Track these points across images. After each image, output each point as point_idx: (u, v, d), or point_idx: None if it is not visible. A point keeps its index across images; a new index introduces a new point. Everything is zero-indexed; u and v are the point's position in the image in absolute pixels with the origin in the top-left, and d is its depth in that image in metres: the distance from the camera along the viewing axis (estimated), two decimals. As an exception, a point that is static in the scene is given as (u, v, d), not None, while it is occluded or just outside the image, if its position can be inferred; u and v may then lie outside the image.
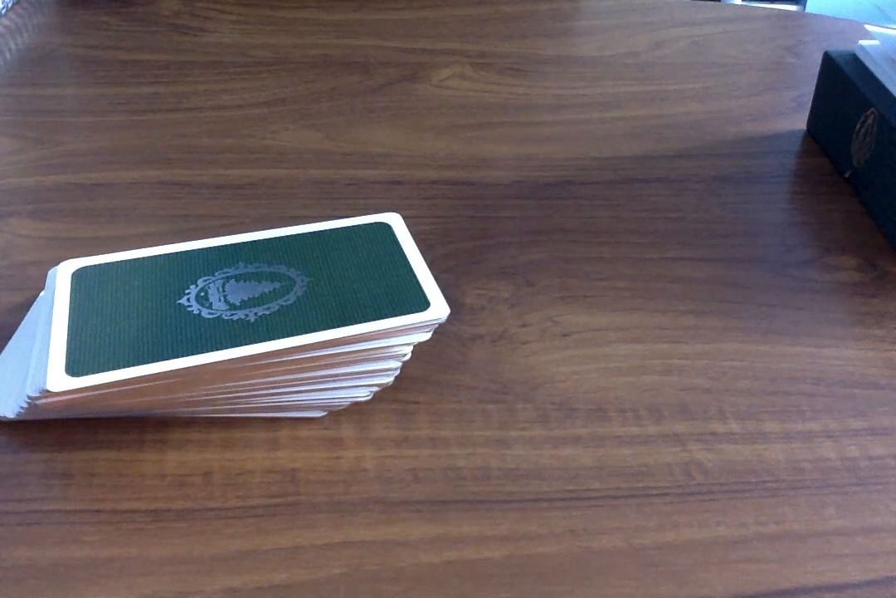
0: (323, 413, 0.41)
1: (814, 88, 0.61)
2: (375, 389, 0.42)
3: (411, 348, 0.41)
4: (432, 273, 0.49)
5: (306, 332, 0.39)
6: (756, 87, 0.68)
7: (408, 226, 0.53)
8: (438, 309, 0.41)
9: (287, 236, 0.45)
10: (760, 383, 0.43)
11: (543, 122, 0.63)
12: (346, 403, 0.41)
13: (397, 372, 0.42)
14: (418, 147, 0.60)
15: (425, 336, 0.41)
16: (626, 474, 0.39)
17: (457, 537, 0.36)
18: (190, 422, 0.41)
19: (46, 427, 0.40)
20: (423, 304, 0.41)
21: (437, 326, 0.41)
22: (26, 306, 0.47)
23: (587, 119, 0.63)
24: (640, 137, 0.62)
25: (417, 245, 0.51)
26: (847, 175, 0.57)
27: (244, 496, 0.38)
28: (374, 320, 0.40)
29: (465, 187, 0.56)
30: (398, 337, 0.40)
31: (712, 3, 0.83)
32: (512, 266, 0.50)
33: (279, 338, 0.39)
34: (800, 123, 0.63)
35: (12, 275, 0.49)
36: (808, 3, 1.87)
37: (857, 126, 0.55)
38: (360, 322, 0.40)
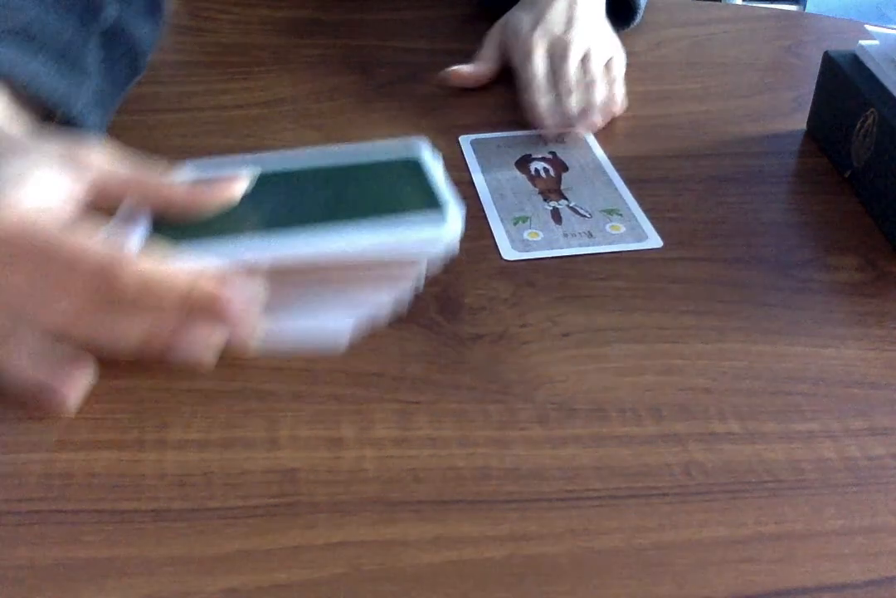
0: (348, 332, 0.40)
1: (814, 88, 0.61)
2: (393, 304, 0.41)
3: (425, 267, 0.41)
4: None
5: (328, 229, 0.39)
6: (756, 87, 0.68)
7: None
8: (453, 221, 0.40)
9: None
10: (760, 383, 0.43)
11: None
12: (367, 317, 0.41)
13: (414, 289, 0.42)
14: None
15: (440, 250, 0.41)
16: (626, 474, 0.39)
17: (457, 537, 0.36)
18: (190, 422, 0.41)
19: (46, 427, 0.40)
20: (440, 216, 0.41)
21: (451, 246, 0.41)
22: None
23: (587, 119, 0.63)
24: (640, 137, 0.62)
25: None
26: (847, 175, 0.57)
27: (244, 496, 0.38)
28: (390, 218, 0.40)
29: (465, 187, 0.56)
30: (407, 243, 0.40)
31: (712, 3, 0.83)
32: (512, 266, 0.50)
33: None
34: (800, 123, 0.63)
35: (12, 275, 0.49)
36: (808, 3, 1.87)
37: (857, 126, 0.55)
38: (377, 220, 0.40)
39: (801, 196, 0.57)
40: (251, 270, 0.38)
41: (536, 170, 0.58)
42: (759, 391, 0.43)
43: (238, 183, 0.42)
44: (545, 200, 0.55)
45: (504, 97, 0.66)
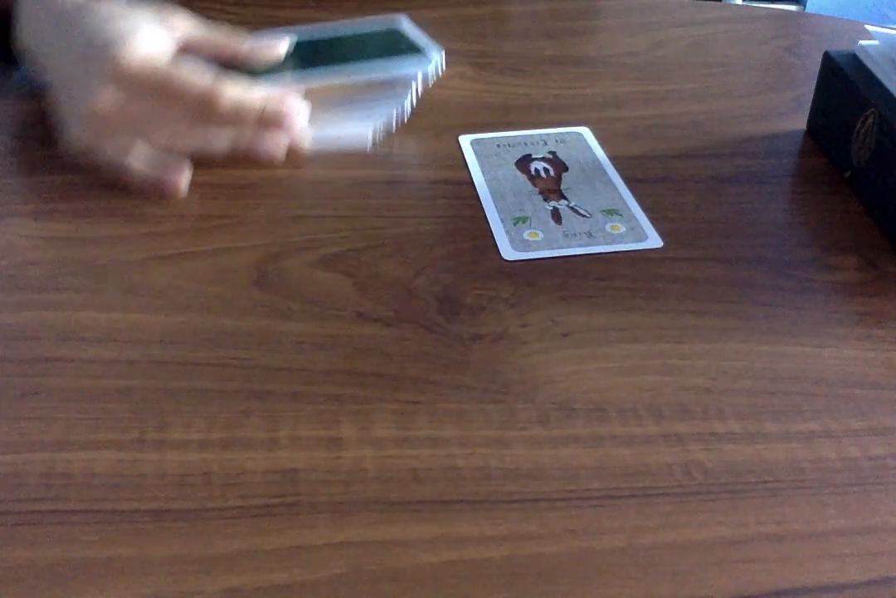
0: (369, 134, 0.58)
1: (814, 88, 0.61)
2: (397, 114, 0.59)
3: (416, 87, 0.58)
4: (432, 274, 0.49)
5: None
6: (756, 87, 0.68)
7: (406, 226, 0.53)
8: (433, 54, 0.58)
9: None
10: (760, 383, 0.43)
11: (543, 122, 0.63)
12: (380, 124, 0.59)
13: (411, 103, 0.59)
14: (418, 147, 0.60)
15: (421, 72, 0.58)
16: (626, 474, 0.39)
17: (457, 537, 0.36)
18: (190, 422, 0.41)
19: (46, 427, 0.40)
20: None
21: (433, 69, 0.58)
22: (25, 306, 0.47)
23: (587, 119, 0.63)
24: (640, 137, 0.62)
25: (416, 245, 0.51)
26: (847, 175, 0.57)
27: (244, 496, 0.38)
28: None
29: (465, 187, 0.56)
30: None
31: (712, 3, 0.83)
32: (512, 266, 0.50)
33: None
34: (800, 123, 0.63)
35: (12, 275, 0.49)
36: (808, 3, 1.87)
37: (857, 126, 0.55)
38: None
39: (801, 196, 0.57)
40: (296, 94, 0.55)
41: (536, 170, 0.58)
42: (759, 391, 0.43)
43: (283, 45, 0.58)
44: (545, 200, 0.55)
45: (504, 97, 0.66)
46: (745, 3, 1.51)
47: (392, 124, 0.60)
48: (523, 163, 0.58)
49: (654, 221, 0.53)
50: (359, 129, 0.59)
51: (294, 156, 0.56)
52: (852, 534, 0.37)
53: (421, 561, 0.35)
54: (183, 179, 0.53)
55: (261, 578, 0.35)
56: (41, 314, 0.46)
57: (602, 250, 0.51)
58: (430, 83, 0.60)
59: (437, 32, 0.75)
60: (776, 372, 0.44)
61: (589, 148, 0.60)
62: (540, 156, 0.59)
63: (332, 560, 0.35)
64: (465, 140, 0.60)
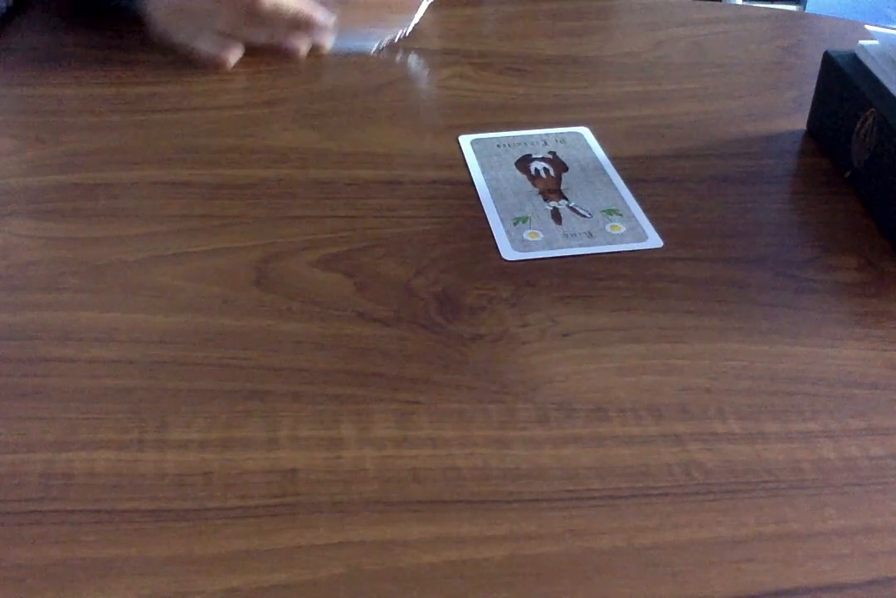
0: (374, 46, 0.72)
1: (814, 88, 0.61)
2: (401, 31, 0.72)
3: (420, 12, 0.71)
4: (432, 274, 0.49)
5: None
6: (756, 87, 0.68)
7: (406, 226, 0.53)
8: None
9: None
10: (760, 383, 0.43)
11: (543, 122, 0.63)
12: (386, 37, 0.73)
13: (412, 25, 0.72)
14: (418, 147, 0.60)
15: None
16: (626, 474, 0.39)
17: (457, 537, 0.36)
18: (190, 422, 0.41)
19: (47, 427, 0.40)
20: None
21: None
22: (26, 306, 0.47)
23: (587, 119, 0.63)
24: (640, 137, 0.62)
25: (416, 245, 0.51)
26: (847, 175, 0.57)
27: (244, 496, 0.38)
28: None
29: (464, 187, 0.56)
30: None
31: (712, 3, 0.83)
32: (512, 266, 0.50)
33: None
34: (800, 123, 0.63)
35: (12, 275, 0.49)
36: (808, 3, 1.87)
37: (857, 126, 0.55)
38: None
39: (801, 196, 0.57)
40: (323, 6, 0.68)
41: (536, 170, 0.58)
42: (759, 391, 0.43)
43: None
44: (545, 200, 0.55)
45: (504, 97, 0.66)
46: (745, 3, 1.51)
47: (395, 41, 0.73)
48: (523, 163, 0.58)
49: (654, 221, 0.53)
50: (368, 40, 0.72)
51: (315, 53, 0.71)
52: (852, 534, 0.37)
53: (421, 561, 0.35)
54: (232, 56, 0.69)
55: (261, 578, 0.35)
56: (41, 314, 0.46)
57: (602, 250, 0.51)
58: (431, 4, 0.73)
59: (438, 32, 0.75)
60: (776, 372, 0.44)
61: (589, 148, 0.60)
62: (540, 156, 0.59)
63: (332, 560, 0.35)
64: (465, 140, 0.60)
